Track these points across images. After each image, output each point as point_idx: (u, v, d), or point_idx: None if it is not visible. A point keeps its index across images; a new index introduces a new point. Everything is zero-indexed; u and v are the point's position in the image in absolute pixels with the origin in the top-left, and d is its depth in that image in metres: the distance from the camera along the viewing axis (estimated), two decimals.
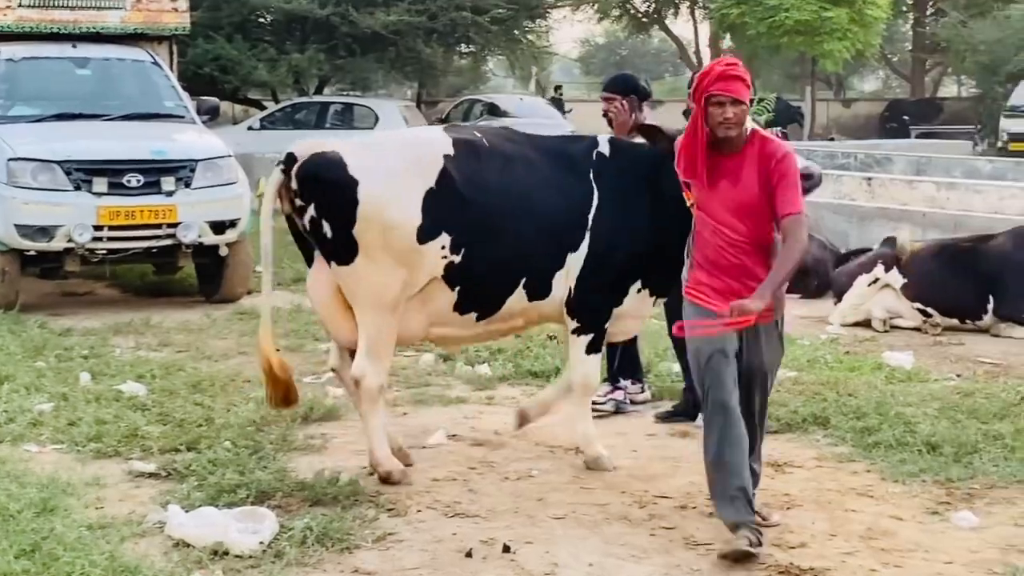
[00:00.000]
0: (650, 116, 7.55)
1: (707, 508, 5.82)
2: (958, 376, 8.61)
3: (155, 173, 11.18)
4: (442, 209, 6.09)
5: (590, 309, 6.42)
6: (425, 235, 6.07)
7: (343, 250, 6.10)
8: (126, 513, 5.73)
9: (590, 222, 6.30)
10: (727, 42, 35.99)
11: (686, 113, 6.91)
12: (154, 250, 11.35)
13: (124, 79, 12.90)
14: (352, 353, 6.28)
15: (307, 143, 6.33)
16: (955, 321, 10.45)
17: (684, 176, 5.43)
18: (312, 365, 8.90)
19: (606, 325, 6.48)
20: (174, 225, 11.13)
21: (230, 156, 11.86)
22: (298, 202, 6.19)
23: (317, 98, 26.40)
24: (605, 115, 7.64)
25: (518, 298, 6.32)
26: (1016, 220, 11.84)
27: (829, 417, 7.29)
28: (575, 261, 6.31)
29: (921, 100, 43.21)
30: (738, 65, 5.31)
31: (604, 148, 6.49)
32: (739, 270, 5.33)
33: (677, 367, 8.18)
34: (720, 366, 5.27)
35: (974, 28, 36.95)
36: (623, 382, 7.81)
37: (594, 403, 7.60)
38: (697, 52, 42.13)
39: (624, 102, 7.54)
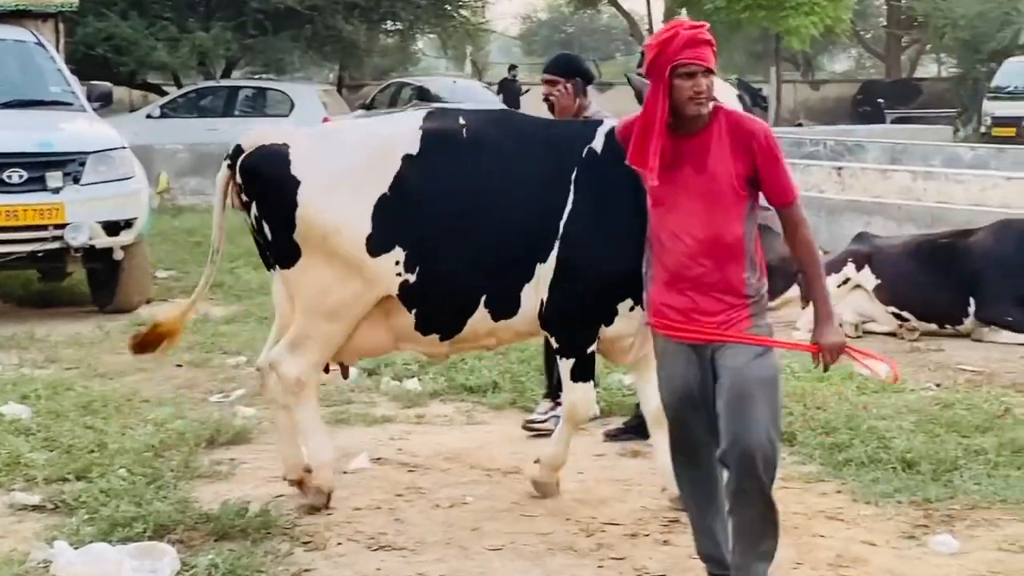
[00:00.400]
0: (596, 101, 7.59)
1: (661, 535, 5.86)
2: (937, 385, 8.71)
3: (39, 168, 11.07)
4: (396, 219, 5.97)
5: (566, 328, 6.13)
6: (376, 247, 5.98)
7: (284, 253, 6.13)
8: (7, 551, 5.67)
9: (561, 229, 5.97)
10: (683, 16, 36.21)
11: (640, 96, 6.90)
12: (39, 254, 11.22)
13: (4, 62, 12.75)
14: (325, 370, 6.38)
15: (257, 132, 6.38)
16: (933, 326, 10.56)
17: (634, 164, 4.95)
18: (219, 382, 8.86)
19: (590, 348, 6.14)
20: (61, 226, 11.01)
21: (125, 148, 11.78)
22: (243, 198, 6.25)
23: (224, 82, 26.33)
24: (546, 99, 7.65)
25: (481, 318, 6.12)
26: (999, 213, 12.00)
27: (795, 433, 7.35)
28: (545, 272, 6.02)
29: (897, 81, 43.79)
30: (705, 28, 4.91)
31: (598, 143, 6.04)
32: (711, 280, 4.90)
33: (628, 379, 8.22)
34: (688, 404, 5.00)
35: (954, 1, 37.42)
36: None
37: (534, 422, 7.64)
38: (650, 28, 42.35)
39: (568, 85, 7.56)
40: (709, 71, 4.80)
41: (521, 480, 6.72)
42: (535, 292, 6.06)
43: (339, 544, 5.83)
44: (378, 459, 7.16)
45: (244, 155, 6.19)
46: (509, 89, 32.97)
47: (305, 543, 5.82)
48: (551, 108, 7.60)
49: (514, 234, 6.02)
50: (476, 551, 5.77)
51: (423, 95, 28.25)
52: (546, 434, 7.53)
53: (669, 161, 4.86)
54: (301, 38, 27.56)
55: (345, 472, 6.89)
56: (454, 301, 6.10)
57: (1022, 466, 6.75)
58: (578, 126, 6.67)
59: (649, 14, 43.60)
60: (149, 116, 23.75)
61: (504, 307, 6.11)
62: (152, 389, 8.60)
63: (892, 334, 10.60)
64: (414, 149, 6.05)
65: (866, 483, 6.57)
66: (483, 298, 6.07)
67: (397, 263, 6.00)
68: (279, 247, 6.15)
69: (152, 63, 26.25)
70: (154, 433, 7.32)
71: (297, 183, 6.04)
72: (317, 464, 6.31)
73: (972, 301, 10.46)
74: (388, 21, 30.50)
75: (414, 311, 6.11)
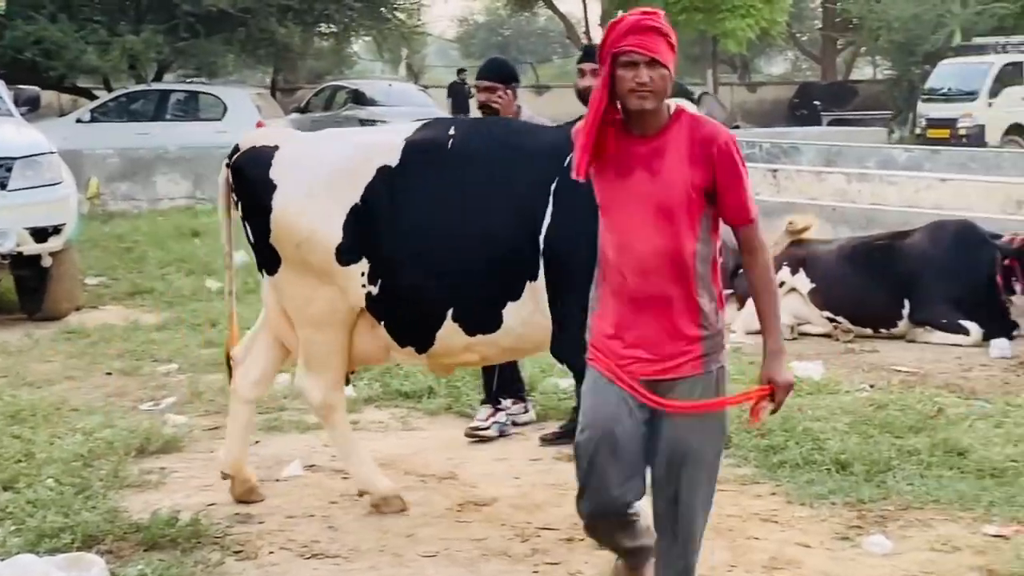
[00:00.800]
0: (534, 104, 7.61)
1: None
2: (871, 387, 8.79)
3: None
4: (365, 231, 5.90)
5: (572, 348, 5.25)
6: (344, 258, 5.94)
7: (266, 258, 6.15)
8: None
9: (542, 244, 5.65)
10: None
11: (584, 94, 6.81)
12: None
13: None
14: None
15: (257, 132, 6.45)
16: (868, 331, 10.66)
17: (578, 170, 4.44)
18: (150, 390, 8.80)
19: None
20: None
21: (53, 153, 11.68)
22: (234, 198, 6.29)
23: (156, 86, 26.12)
24: (486, 106, 7.60)
25: (451, 332, 5.94)
26: (933, 214, 12.12)
27: (730, 435, 7.38)
28: (538, 291, 5.72)
29: (833, 83, 44.11)
30: (658, 15, 4.36)
31: None
32: (659, 306, 4.39)
33: (564, 383, 8.25)
34: (603, 458, 4.45)
35: (888, 3, 37.78)
36: (504, 402, 7.84)
37: (476, 429, 7.64)
38: (587, 31, 42.50)
39: (508, 91, 7.59)
40: (655, 62, 4.23)
41: (456, 486, 6.72)
42: (527, 311, 5.78)
43: (271, 553, 5.81)
44: (311, 466, 7.13)
45: (237, 155, 6.23)
46: (458, 93, 32.93)
47: (236, 552, 5.79)
48: (490, 115, 7.55)
49: (486, 247, 5.75)
50: (410, 558, 5.76)
51: (358, 98, 28.22)
52: (488, 440, 7.56)
53: (620, 164, 4.39)
54: (234, 41, 27.45)
55: (278, 480, 6.87)
56: (418, 315, 5.97)
57: (954, 466, 6.82)
58: (564, 132, 6.08)
59: (586, 17, 43.75)
60: (79, 120, 23.55)
61: (479, 322, 5.90)
62: (81, 398, 8.53)
63: (827, 336, 10.70)
64: (393, 160, 5.93)
65: (801, 485, 6.61)
66: (450, 312, 5.90)
67: (363, 274, 5.96)
68: (261, 252, 6.17)
69: (82, 67, 26.06)
70: (83, 442, 7.24)
71: (273, 187, 6.04)
72: (366, 483, 6.41)
73: (907, 303, 10.56)
74: (323, 24, 30.40)
75: (383, 323, 6.06)
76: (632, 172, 4.37)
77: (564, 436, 7.53)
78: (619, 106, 4.37)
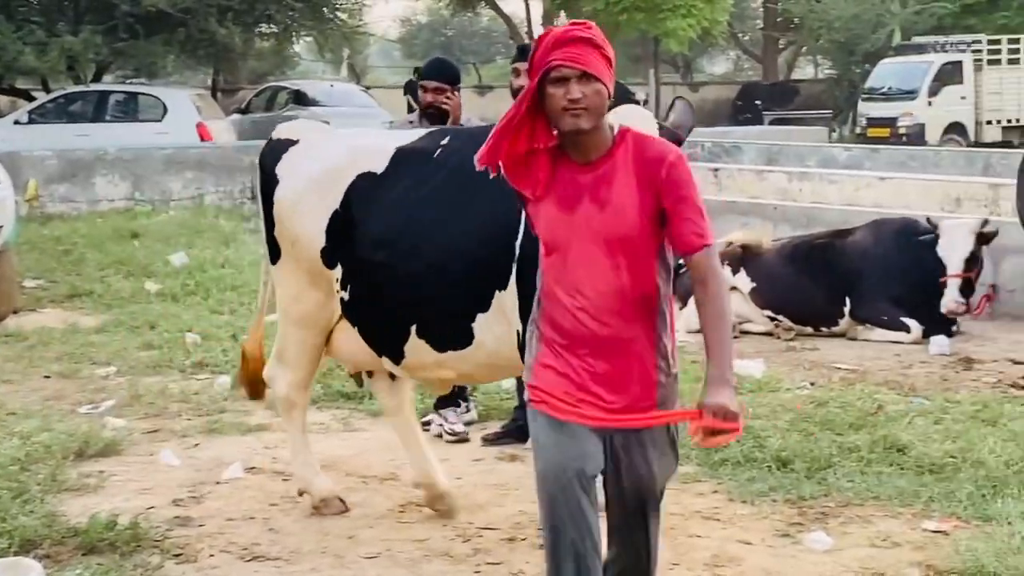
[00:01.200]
0: (477, 104, 7.62)
1: (537, 540, 5.86)
2: (812, 384, 8.85)
3: None
4: (341, 236, 5.85)
5: None
6: (329, 261, 5.92)
7: (271, 249, 6.19)
8: None
9: (517, 251, 5.33)
10: (562, 19, 36.42)
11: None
12: None
13: None
14: (389, 375, 6.25)
15: (291, 124, 6.40)
16: (809, 329, 10.74)
17: (480, 157, 4.07)
18: (89, 393, 8.73)
19: None
20: None
21: None
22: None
23: (95, 87, 25.91)
24: (433, 108, 7.53)
25: (418, 347, 5.73)
26: (873, 212, 12.23)
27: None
28: (508, 301, 5.43)
29: (776, 83, 44.39)
30: (589, 26, 3.96)
31: None
32: (612, 345, 4.00)
33: (506, 383, 8.25)
34: (578, 500, 4.00)
35: (828, 3, 38.10)
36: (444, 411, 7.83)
37: (453, 432, 7.61)
38: (529, 31, 42.51)
39: (456, 92, 7.58)
40: (588, 76, 3.84)
41: (398, 487, 6.71)
42: (497, 323, 5.52)
43: (211, 556, 5.78)
44: (252, 468, 7.10)
45: (264, 146, 6.29)
46: (414, 90, 32.75)
47: (176, 556, 5.75)
48: (438, 117, 7.49)
49: (456, 259, 5.51)
50: (351, 559, 5.74)
51: (300, 99, 28.17)
52: (466, 441, 7.55)
53: (563, 196, 3.97)
54: (173, 42, 27.24)
55: (218, 482, 6.83)
56: (383, 326, 5.84)
57: (894, 463, 6.88)
58: None
59: (528, 17, 43.76)
60: (17, 122, 23.37)
61: (447, 337, 5.66)
62: (19, 401, 8.45)
63: (768, 334, 10.77)
64: (378, 167, 5.81)
65: (742, 482, 6.65)
66: (414, 327, 5.69)
67: (337, 280, 5.93)
68: (268, 243, 6.21)
69: (20, 67, 25.81)
70: (20, 446, 7.17)
71: (276, 182, 6.08)
72: (306, 484, 6.37)
73: (848, 301, 10.65)
74: (263, 24, 30.20)
75: (357, 329, 5.99)
76: (578, 205, 3.95)
77: (506, 436, 7.55)
78: (555, 132, 3.95)
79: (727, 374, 3.90)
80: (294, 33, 32.53)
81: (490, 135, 4.01)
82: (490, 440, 7.59)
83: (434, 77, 7.60)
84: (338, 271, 5.90)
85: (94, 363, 9.54)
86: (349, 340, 6.05)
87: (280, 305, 6.24)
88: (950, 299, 10.25)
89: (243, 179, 19.96)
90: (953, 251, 10.34)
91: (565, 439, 4.00)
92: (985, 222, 10.58)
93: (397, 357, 5.87)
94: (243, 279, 12.37)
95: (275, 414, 8.12)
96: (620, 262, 3.93)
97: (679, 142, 4.66)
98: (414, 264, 5.60)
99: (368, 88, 35.22)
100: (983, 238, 10.37)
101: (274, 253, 6.17)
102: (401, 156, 5.82)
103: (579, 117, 3.86)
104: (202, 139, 21.82)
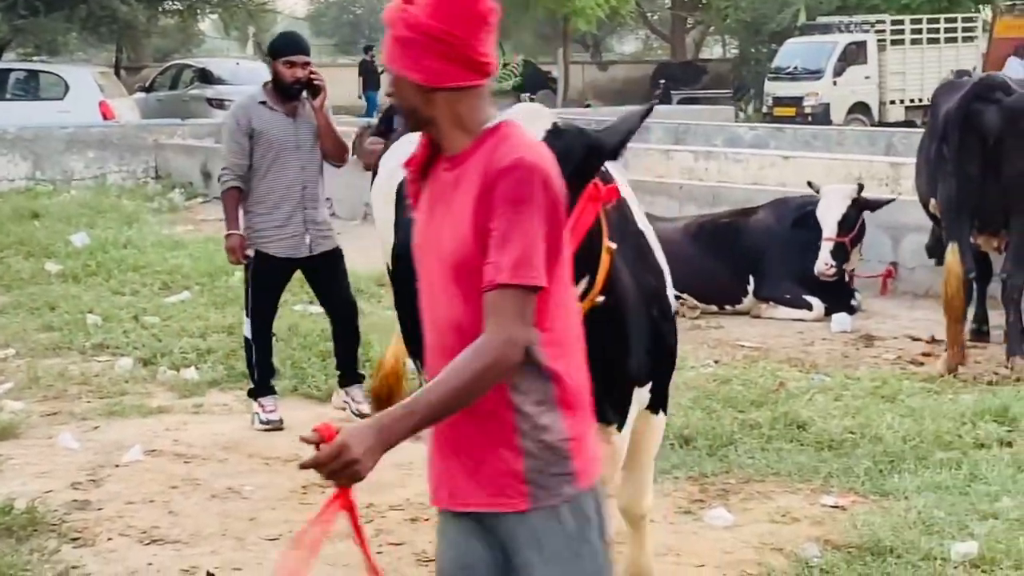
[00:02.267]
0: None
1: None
2: (715, 362, 8.92)
3: None
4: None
5: None
6: None
7: None
8: None
9: None
10: None
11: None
12: None
13: None
14: None
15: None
16: (713, 308, 10.81)
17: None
18: None
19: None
20: None
21: None
22: None
23: None
24: (305, 84, 7.40)
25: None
26: (777, 191, 12.32)
27: None
28: None
29: (685, 63, 44.61)
30: (397, 8, 3.13)
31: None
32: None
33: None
34: None
35: None
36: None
37: (360, 415, 7.58)
38: None
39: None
40: (399, 79, 3.10)
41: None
42: None
43: (109, 539, 5.73)
44: (153, 451, 7.03)
45: None
46: (368, 70, 32.49)
47: (74, 539, 5.71)
48: (304, 92, 7.42)
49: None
50: (252, 541, 5.72)
51: (205, 77, 27.83)
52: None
53: (427, 197, 3.20)
54: (75, 19, 26.89)
55: (118, 465, 6.77)
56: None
57: (794, 439, 6.96)
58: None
59: None
60: None
61: None
62: None
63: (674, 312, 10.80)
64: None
65: None
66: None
67: None
68: None
69: None
70: None
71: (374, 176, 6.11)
72: None
73: (752, 279, 10.73)
74: (168, 1, 29.91)
75: None
76: (434, 210, 3.15)
77: None
78: None
79: (398, 424, 2.98)
80: (199, 10, 32.29)
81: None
82: None
83: (302, 51, 7.47)
84: None
85: None
86: None
87: None
88: (821, 261, 10.33)
89: (146, 158, 19.75)
90: (828, 213, 10.45)
91: (447, 527, 3.34)
92: (861, 187, 10.68)
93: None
94: (145, 259, 12.25)
95: (177, 396, 8.10)
96: (454, 289, 3.05)
97: (599, 151, 3.79)
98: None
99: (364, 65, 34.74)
100: (858, 203, 10.48)
101: None
102: None
103: (407, 118, 3.18)
104: (105, 118, 21.53)
